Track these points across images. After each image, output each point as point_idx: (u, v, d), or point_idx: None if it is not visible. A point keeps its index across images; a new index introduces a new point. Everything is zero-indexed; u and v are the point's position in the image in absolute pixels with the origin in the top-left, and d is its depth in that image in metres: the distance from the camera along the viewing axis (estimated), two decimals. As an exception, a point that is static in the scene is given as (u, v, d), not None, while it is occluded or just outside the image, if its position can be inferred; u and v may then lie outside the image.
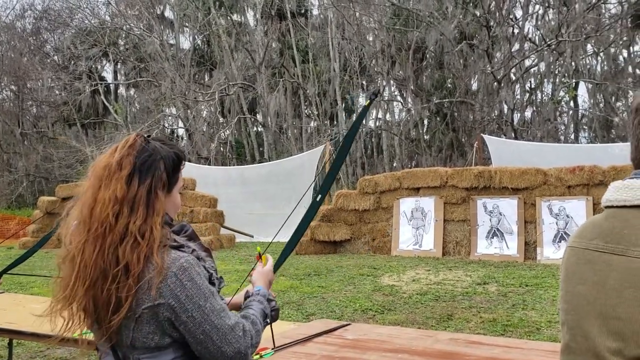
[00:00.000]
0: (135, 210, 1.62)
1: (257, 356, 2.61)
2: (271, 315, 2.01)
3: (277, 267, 2.28)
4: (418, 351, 2.69)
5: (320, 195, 2.36)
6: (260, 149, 27.42)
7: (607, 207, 1.33)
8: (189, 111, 27.67)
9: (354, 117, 28.27)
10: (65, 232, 1.69)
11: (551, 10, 24.45)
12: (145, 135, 1.74)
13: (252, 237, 15.97)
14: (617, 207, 1.29)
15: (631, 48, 24.79)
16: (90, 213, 1.62)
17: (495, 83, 23.19)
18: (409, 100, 26.46)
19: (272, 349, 2.78)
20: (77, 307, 1.64)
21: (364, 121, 26.95)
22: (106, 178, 1.64)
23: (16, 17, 31.32)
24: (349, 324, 3.34)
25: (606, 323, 1.21)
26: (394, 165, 24.96)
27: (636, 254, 1.19)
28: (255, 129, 28.79)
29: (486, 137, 16.81)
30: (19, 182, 29.06)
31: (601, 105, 25.14)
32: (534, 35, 25.51)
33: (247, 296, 1.93)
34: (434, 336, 3.04)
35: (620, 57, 25.32)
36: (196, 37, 30.20)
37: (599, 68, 25.30)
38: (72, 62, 30.22)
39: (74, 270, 1.62)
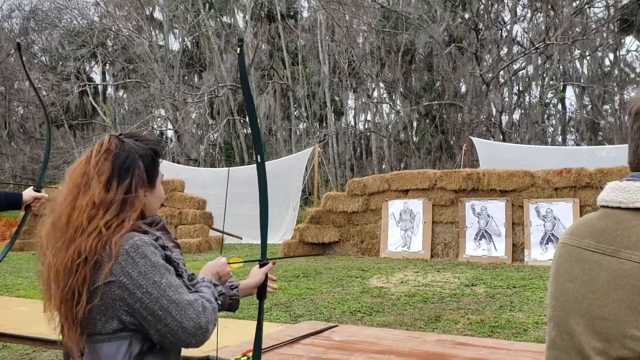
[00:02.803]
0: (109, 209, 1.63)
1: (245, 357, 2.61)
2: (228, 303, 2.05)
3: (263, 251, 2.35)
4: (405, 352, 2.70)
5: (259, 156, 2.36)
6: (250, 150, 27.38)
7: (602, 206, 1.32)
8: (177, 113, 27.59)
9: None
10: (42, 237, 1.70)
11: (539, 13, 24.61)
12: (118, 135, 1.74)
13: (241, 238, 15.94)
14: (612, 207, 1.29)
15: (618, 52, 25.01)
16: (68, 220, 1.63)
17: (484, 86, 23.30)
18: (398, 102, 26.54)
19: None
20: (58, 313, 1.64)
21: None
22: (84, 185, 1.65)
23: (3, 17, 31.10)
24: (337, 326, 3.34)
25: (592, 322, 1.22)
26: (383, 167, 25.01)
27: (627, 256, 1.19)
28: (244, 130, 28.75)
29: (475, 139, 16.89)
30: (5, 184, 28.82)
31: (588, 108, 25.34)
32: (522, 38, 25.68)
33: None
34: (421, 337, 3.05)
35: (607, 61, 25.54)
36: (185, 38, 30.11)
37: (586, 71, 25.49)
38: (60, 63, 30.04)
39: (50, 278, 1.63)
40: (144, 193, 1.72)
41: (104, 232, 1.60)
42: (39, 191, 3.59)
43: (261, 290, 2.25)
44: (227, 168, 21.28)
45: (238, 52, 2.29)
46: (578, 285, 1.27)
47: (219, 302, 1.85)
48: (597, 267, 1.23)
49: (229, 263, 2.20)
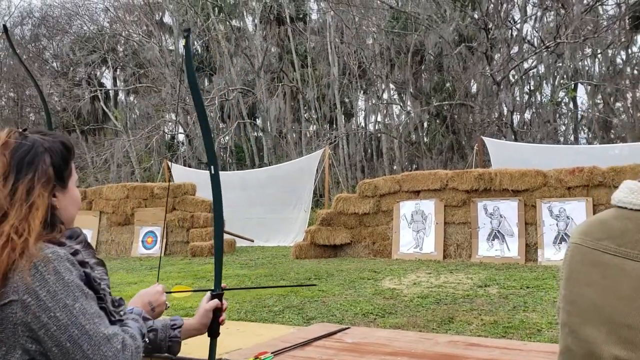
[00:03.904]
0: (11, 209, 1.37)
1: (256, 360, 2.60)
2: (168, 346, 1.81)
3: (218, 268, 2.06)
4: (417, 354, 2.69)
5: (212, 167, 2.15)
6: (260, 153, 27.44)
7: (618, 207, 1.27)
8: (189, 117, 27.69)
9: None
10: None
11: (549, 12, 24.48)
12: (21, 130, 1.51)
13: (253, 241, 15.97)
14: (630, 209, 1.24)
15: (629, 49, 24.82)
16: None
17: (495, 85, 23.20)
18: (409, 103, 26.48)
19: (272, 353, 2.77)
20: None
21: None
22: None
23: (14, 24, 31.36)
24: (349, 328, 3.33)
25: (616, 330, 1.17)
26: (394, 168, 24.96)
27: None
28: (255, 133, 28.82)
29: (486, 139, 16.80)
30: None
31: (600, 106, 25.16)
32: (532, 37, 25.56)
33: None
34: (433, 339, 3.03)
35: (619, 59, 25.35)
36: (195, 42, 30.23)
37: (597, 69, 25.32)
38: (71, 69, 30.27)
39: None
40: (52, 194, 1.47)
41: (16, 239, 1.33)
42: None
43: (212, 328, 1.96)
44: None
45: (184, 44, 2.04)
46: (597, 291, 1.22)
47: (147, 339, 1.58)
48: (619, 272, 1.19)
49: (171, 292, 1.95)
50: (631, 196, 1.24)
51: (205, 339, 1.99)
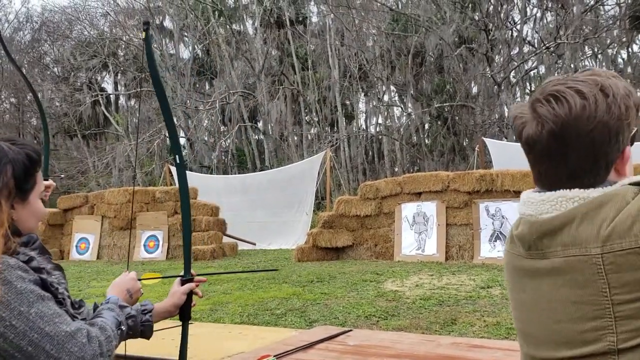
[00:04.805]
0: None
1: (258, 364, 2.60)
2: (140, 330, 1.82)
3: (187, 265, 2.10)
4: (420, 356, 2.68)
5: (177, 156, 2.13)
6: (262, 156, 27.46)
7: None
8: (189, 120, 27.72)
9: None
10: None
11: (549, 13, 24.50)
12: None
13: (255, 244, 15.97)
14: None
15: (630, 49, 24.82)
16: None
17: (496, 86, 23.21)
18: (409, 105, 26.49)
19: (275, 356, 2.77)
20: None
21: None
22: None
23: (14, 29, 31.44)
24: (351, 330, 3.33)
25: (551, 328, 1.22)
26: (396, 170, 24.96)
27: (555, 254, 1.20)
28: (256, 136, 28.84)
29: (487, 140, 16.79)
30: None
31: (601, 106, 25.11)
32: (532, 38, 25.57)
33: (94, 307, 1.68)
34: (435, 341, 3.03)
35: (619, 59, 25.35)
36: (196, 46, 30.28)
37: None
38: (72, 74, 30.33)
39: None
40: (11, 205, 1.45)
41: None
42: (46, 180, 3.53)
43: (184, 311, 2.01)
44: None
45: (143, 37, 2.03)
46: (530, 295, 1.28)
47: (124, 327, 1.60)
48: (537, 273, 1.25)
49: (140, 279, 1.99)
50: (523, 208, 1.33)
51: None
